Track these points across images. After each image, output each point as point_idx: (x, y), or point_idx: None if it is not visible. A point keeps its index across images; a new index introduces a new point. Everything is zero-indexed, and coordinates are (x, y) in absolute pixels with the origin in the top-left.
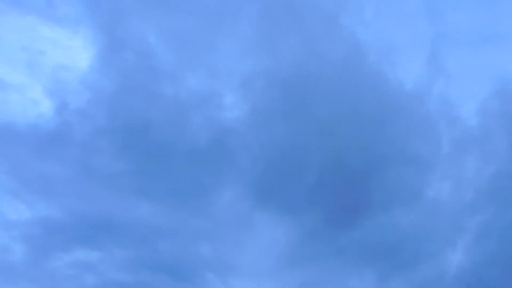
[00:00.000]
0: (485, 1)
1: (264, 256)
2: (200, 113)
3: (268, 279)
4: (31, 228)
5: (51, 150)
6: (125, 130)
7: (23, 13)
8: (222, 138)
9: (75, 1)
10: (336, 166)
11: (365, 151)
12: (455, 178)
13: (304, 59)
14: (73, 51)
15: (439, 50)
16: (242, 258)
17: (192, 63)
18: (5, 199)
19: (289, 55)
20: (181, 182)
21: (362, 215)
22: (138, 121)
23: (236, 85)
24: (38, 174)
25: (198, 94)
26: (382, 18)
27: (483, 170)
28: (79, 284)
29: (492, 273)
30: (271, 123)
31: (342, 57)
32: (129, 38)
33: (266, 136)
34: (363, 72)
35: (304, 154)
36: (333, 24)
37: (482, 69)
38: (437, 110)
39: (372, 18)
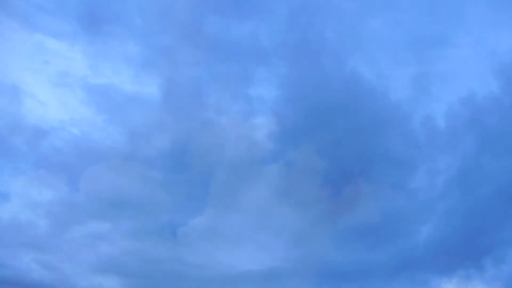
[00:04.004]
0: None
1: (276, 236)
2: (237, 132)
3: (278, 252)
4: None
5: (121, 166)
6: (179, 151)
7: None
8: (254, 151)
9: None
10: (339, 168)
11: (362, 155)
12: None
13: (318, 88)
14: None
15: (421, 74)
16: (256, 237)
17: (232, 94)
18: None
19: (307, 86)
20: (220, 187)
21: (357, 204)
22: (189, 144)
23: (266, 110)
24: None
25: (237, 118)
26: (377, 53)
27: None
28: (93, 250)
29: (455, 245)
30: (293, 139)
31: (346, 86)
32: (185, 79)
33: (288, 149)
34: (362, 96)
35: (315, 161)
36: (339, 62)
37: (454, 83)
38: (419, 121)
39: (369, 54)
